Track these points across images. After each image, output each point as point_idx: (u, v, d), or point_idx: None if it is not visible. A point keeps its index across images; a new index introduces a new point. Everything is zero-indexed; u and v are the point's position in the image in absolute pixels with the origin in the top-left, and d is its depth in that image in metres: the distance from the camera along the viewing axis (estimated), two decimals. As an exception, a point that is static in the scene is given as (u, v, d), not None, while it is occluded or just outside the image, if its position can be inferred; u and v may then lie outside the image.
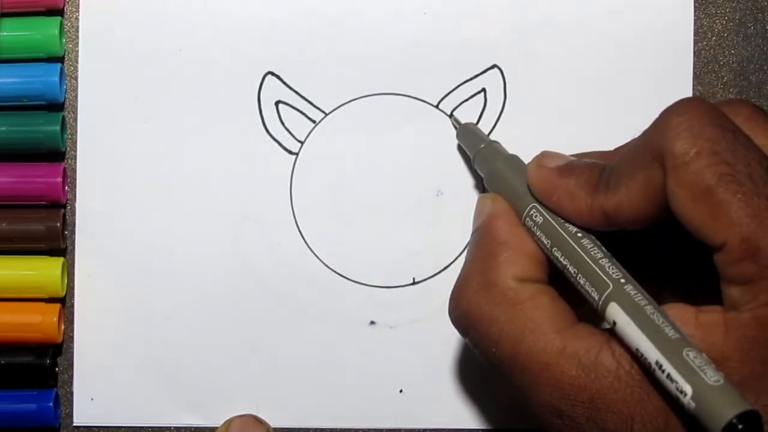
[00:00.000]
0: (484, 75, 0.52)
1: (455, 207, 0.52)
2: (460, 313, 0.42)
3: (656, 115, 0.51)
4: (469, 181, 0.52)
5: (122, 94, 0.52)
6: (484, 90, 0.52)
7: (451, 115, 0.51)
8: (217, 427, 0.51)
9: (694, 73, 0.52)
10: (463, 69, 0.52)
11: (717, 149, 0.36)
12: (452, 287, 0.43)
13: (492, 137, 0.52)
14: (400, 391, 0.52)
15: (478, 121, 0.52)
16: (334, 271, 0.52)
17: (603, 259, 0.40)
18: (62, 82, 0.51)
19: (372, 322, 0.52)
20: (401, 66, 0.52)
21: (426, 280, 0.52)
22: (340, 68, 0.52)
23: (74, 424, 0.52)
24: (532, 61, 0.52)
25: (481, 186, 0.52)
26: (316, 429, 0.52)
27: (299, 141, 0.52)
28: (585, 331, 0.39)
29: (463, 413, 0.52)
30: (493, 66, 0.52)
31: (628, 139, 0.51)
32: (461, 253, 0.52)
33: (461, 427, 0.52)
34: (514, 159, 0.46)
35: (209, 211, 0.52)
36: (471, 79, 0.52)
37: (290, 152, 0.52)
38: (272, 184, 0.52)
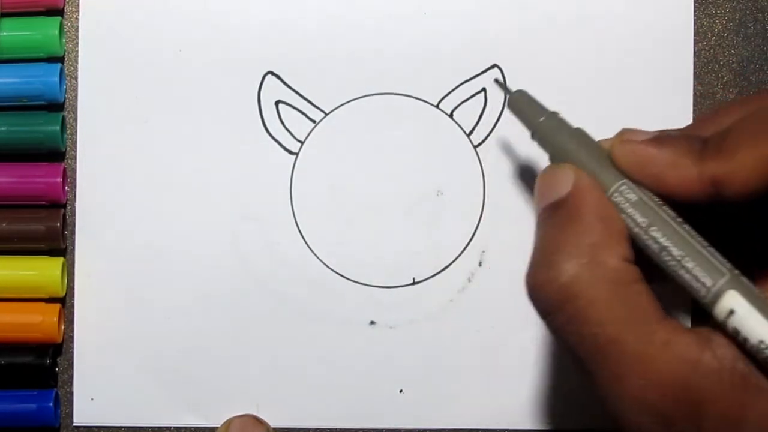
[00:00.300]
0: (485, 75, 0.52)
1: (455, 207, 0.52)
2: (558, 287, 0.39)
3: (656, 115, 0.52)
4: (469, 181, 0.52)
5: (122, 94, 0.52)
6: (484, 90, 0.52)
7: (496, 80, 0.50)
8: (217, 427, 0.51)
9: (694, 73, 0.52)
10: (463, 69, 0.52)
11: None
12: (534, 259, 0.40)
13: (492, 137, 0.52)
14: (400, 391, 0.52)
15: (478, 120, 0.52)
16: (334, 271, 0.52)
17: (710, 247, 0.38)
18: (62, 82, 0.51)
19: (372, 322, 0.52)
20: (401, 66, 0.52)
21: (426, 280, 0.52)
22: (340, 68, 0.52)
23: (74, 424, 0.52)
24: (533, 61, 0.52)
25: (481, 186, 0.52)
26: (316, 429, 0.52)
27: (299, 141, 0.52)
28: (682, 326, 0.37)
29: (463, 413, 0.52)
30: (494, 66, 0.52)
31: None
32: (461, 253, 0.52)
33: (461, 427, 0.52)
34: (583, 133, 0.43)
35: (209, 211, 0.52)
36: (471, 78, 0.52)
37: (290, 152, 0.52)
38: (272, 184, 0.52)
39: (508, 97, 0.45)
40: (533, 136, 0.44)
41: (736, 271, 0.37)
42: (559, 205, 0.40)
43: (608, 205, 0.39)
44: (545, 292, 0.39)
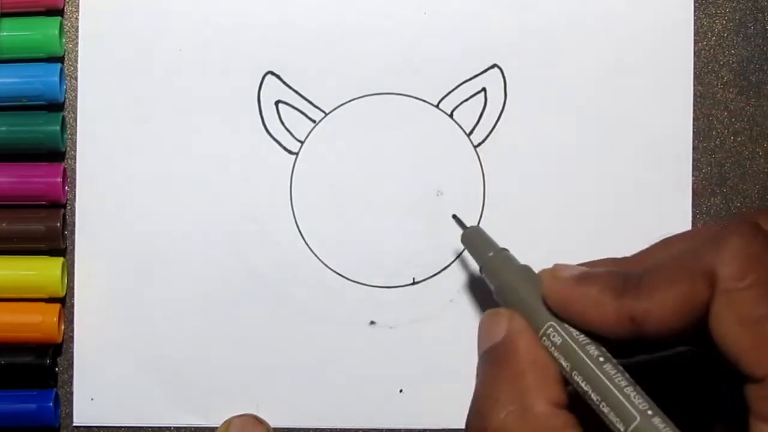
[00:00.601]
0: (485, 74, 0.52)
1: (455, 207, 0.52)
2: None
3: (656, 115, 0.52)
4: (469, 181, 0.52)
5: (122, 94, 0.52)
6: (484, 89, 0.52)
7: (453, 216, 0.51)
8: (217, 427, 0.51)
9: (694, 73, 0.52)
10: (463, 68, 0.52)
11: None
12: (470, 406, 0.41)
13: (492, 137, 0.52)
14: (400, 391, 0.51)
15: (478, 120, 0.52)
16: (334, 271, 0.52)
17: (628, 387, 0.38)
18: (62, 82, 0.51)
19: (372, 322, 0.52)
20: (401, 65, 0.52)
21: (426, 280, 0.52)
22: (340, 68, 0.52)
23: (74, 424, 0.52)
24: (533, 61, 0.52)
25: (481, 186, 0.52)
26: (316, 429, 0.52)
27: (299, 141, 0.52)
28: None
29: (463, 413, 0.52)
30: (494, 65, 0.52)
31: (628, 138, 0.52)
32: (461, 253, 0.52)
33: (461, 427, 0.52)
34: (527, 270, 0.44)
35: (209, 211, 0.52)
36: (471, 78, 0.52)
37: (290, 152, 0.52)
38: (272, 184, 0.52)
39: (462, 232, 0.48)
40: (481, 270, 0.46)
41: (650, 412, 0.37)
42: (493, 351, 0.41)
43: (539, 349, 0.40)
44: None
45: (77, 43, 0.52)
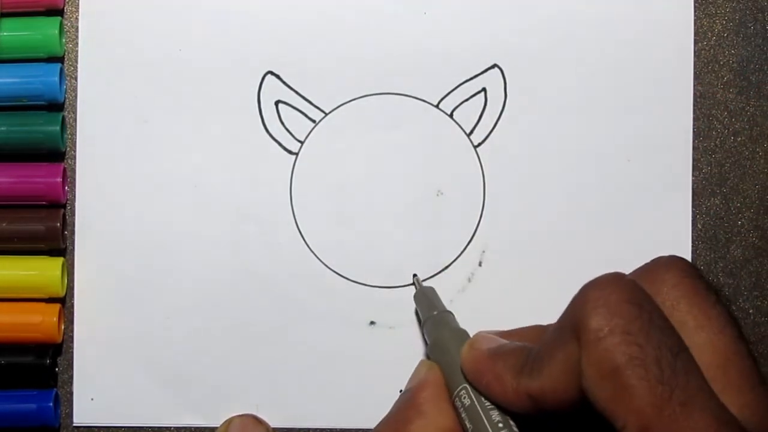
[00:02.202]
0: (485, 74, 0.52)
1: (455, 207, 0.52)
2: None
3: (656, 115, 0.52)
4: (469, 181, 0.52)
5: (122, 94, 0.52)
6: (484, 89, 0.52)
7: (414, 276, 0.52)
8: (217, 427, 0.51)
9: (694, 73, 0.52)
10: (463, 68, 0.52)
11: (630, 329, 0.35)
12: None
13: (492, 137, 0.52)
14: (400, 391, 0.51)
15: (478, 120, 0.52)
16: (334, 271, 0.52)
17: None
18: (62, 82, 0.51)
19: (372, 322, 0.52)
20: (401, 65, 0.52)
21: (426, 280, 0.52)
22: (340, 68, 0.52)
23: (74, 424, 0.52)
24: (533, 61, 0.52)
25: (481, 186, 0.52)
26: (316, 429, 0.52)
27: (299, 141, 0.52)
28: None
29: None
30: (494, 65, 0.52)
31: (628, 138, 0.52)
32: (461, 253, 0.52)
33: (461, 427, 0.52)
34: (461, 334, 0.46)
35: (209, 211, 0.52)
36: (471, 78, 0.52)
37: (290, 152, 0.52)
38: (272, 184, 0.52)
39: (416, 289, 0.51)
40: (422, 326, 0.50)
41: None
42: (403, 393, 0.45)
43: (440, 405, 0.43)
44: None
45: (77, 43, 0.52)
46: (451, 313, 0.48)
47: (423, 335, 0.50)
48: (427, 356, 0.49)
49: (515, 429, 0.41)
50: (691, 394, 0.34)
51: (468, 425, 0.42)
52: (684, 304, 0.38)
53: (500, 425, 0.40)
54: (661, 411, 0.34)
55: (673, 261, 0.39)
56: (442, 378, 0.44)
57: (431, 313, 0.49)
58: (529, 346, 0.40)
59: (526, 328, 0.45)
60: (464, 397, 0.42)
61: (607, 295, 0.36)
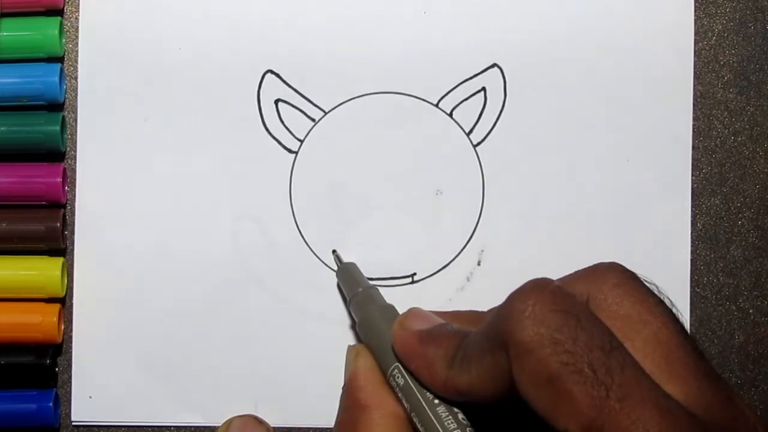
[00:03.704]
0: (484, 74, 0.52)
1: (455, 206, 0.52)
2: None
3: (656, 115, 0.52)
4: (469, 180, 0.52)
5: (122, 94, 0.52)
6: (484, 89, 0.52)
7: (334, 252, 0.51)
8: (217, 427, 0.51)
9: (695, 73, 0.52)
10: (463, 68, 0.52)
11: (558, 337, 0.35)
12: None
13: (492, 136, 0.52)
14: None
15: (478, 120, 0.52)
16: (334, 270, 0.52)
17: (456, 431, 0.40)
18: (62, 82, 0.51)
19: (371, 321, 0.52)
20: (401, 64, 0.52)
21: (425, 279, 0.52)
22: (340, 67, 0.52)
23: (73, 423, 0.52)
24: (533, 61, 0.52)
25: (480, 185, 0.52)
26: (316, 429, 0.52)
27: (299, 139, 0.52)
28: None
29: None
30: (494, 65, 0.52)
31: (628, 138, 0.52)
32: (460, 252, 0.52)
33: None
34: (389, 310, 0.46)
35: (209, 210, 0.52)
36: (471, 78, 0.52)
37: (290, 151, 0.52)
38: (272, 183, 0.52)
39: (338, 266, 0.51)
40: (347, 304, 0.49)
41: None
42: (342, 391, 0.45)
43: (378, 391, 0.43)
44: None
45: (77, 43, 0.52)
46: (376, 289, 0.48)
47: (349, 314, 0.50)
48: (357, 337, 0.49)
49: (453, 406, 0.41)
50: (628, 388, 0.34)
51: (405, 404, 0.41)
52: (627, 302, 0.38)
53: (436, 401, 0.40)
54: (601, 410, 0.34)
55: (614, 265, 0.40)
56: (372, 362, 0.44)
57: (356, 290, 0.48)
58: (462, 332, 0.40)
59: (462, 311, 0.45)
60: (398, 377, 0.42)
61: (531, 305, 0.36)
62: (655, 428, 0.33)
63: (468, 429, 0.40)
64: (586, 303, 0.38)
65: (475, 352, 0.38)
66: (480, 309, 0.51)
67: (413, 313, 0.43)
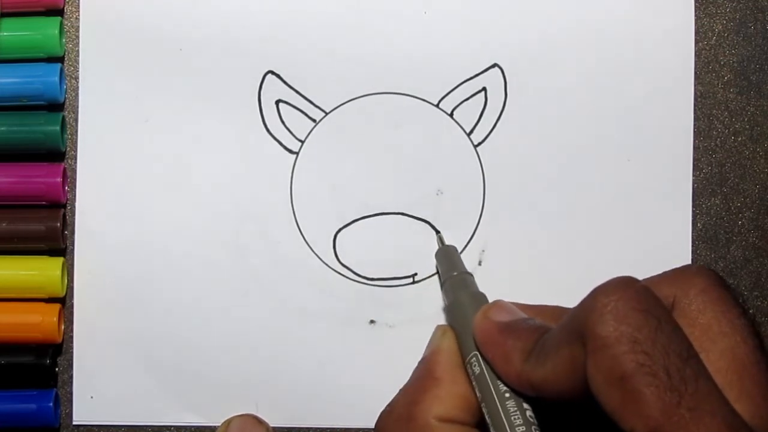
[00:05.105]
0: (485, 74, 0.52)
1: (455, 207, 0.52)
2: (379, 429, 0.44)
3: (656, 115, 0.52)
4: (469, 180, 0.52)
5: (122, 94, 0.52)
6: (484, 89, 0.52)
7: (438, 233, 0.51)
8: (217, 427, 0.51)
9: (695, 73, 0.52)
10: (463, 68, 0.52)
11: (638, 337, 0.35)
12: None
13: (492, 136, 0.52)
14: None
15: (478, 120, 0.52)
16: (334, 270, 0.52)
17: (520, 427, 0.40)
18: (62, 82, 0.51)
19: (372, 321, 0.52)
20: (401, 65, 0.52)
21: (426, 279, 0.52)
22: (341, 67, 0.52)
23: (74, 423, 0.51)
24: (533, 61, 0.52)
25: (481, 185, 0.52)
26: (316, 429, 0.52)
27: (299, 140, 0.52)
28: None
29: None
30: (494, 65, 0.52)
31: (628, 138, 0.52)
32: (461, 253, 0.51)
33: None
34: (479, 298, 0.46)
35: (209, 210, 0.52)
36: (471, 78, 0.52)
37: (290, 151, 0.52)
38: (272, 184, 0.52)
39: (439, 247, 0.51)
40: (442, 286, 0.50)
41: None
42: (420, 362, 0.46)
43: (454, 370, 0.44)
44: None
45: (77, 43, 0.52)
46: (471, 275, 0.49)
47: (443, 295, 0.50)
48: (446, 317, 0.50)
49: (523, 402, 0.41)
50: (700, 399, 0.34)
51: (477, 393, 0.42)
52: (710, 310, 0.38)
53: (507, 395, 0.41)
54: (670, 417, 0.34)
55: (704, 269, 0.40)
56: (455, 344, 0.45)
57: (451, 274, 0.49)
58: (543, 328, 0.41)
59: (547, 306, 0.45)
60: (474, 365, 0.42)
61: (614, 301, 0.36)
62: None
63: (534, 427, 0.40)
64: (671, 306, 0.39)
65: (552, 346, 0.38)
66: (481, 309, 0.51)
67: (498, 304, 0.44)
